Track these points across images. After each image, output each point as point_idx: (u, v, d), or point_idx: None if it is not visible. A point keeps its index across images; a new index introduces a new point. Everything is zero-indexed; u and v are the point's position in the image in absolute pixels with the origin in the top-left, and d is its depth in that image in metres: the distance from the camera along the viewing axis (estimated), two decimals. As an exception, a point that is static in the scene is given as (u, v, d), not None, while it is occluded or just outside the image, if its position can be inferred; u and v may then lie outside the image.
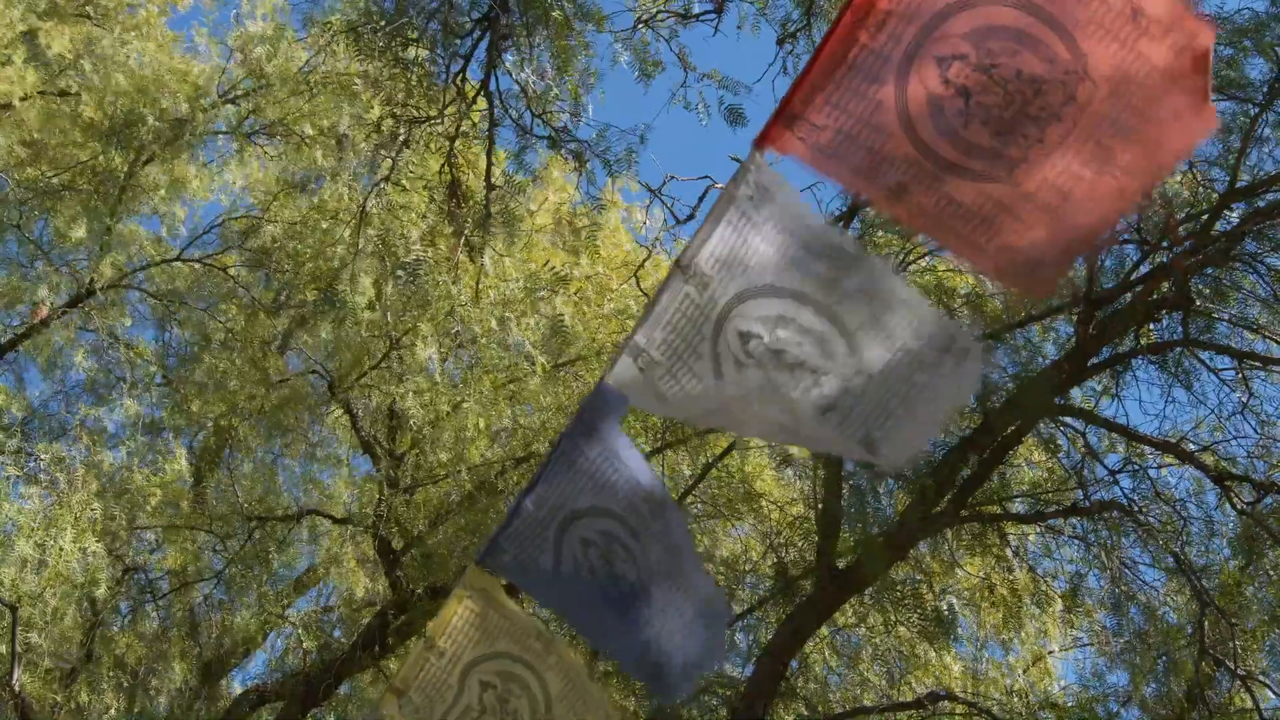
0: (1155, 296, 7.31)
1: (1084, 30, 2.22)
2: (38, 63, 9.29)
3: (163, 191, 9.88)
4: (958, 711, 8.45)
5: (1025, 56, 2.24)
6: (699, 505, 9.14)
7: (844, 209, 7.63)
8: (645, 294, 7.98)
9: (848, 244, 2.44)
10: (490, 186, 6.51)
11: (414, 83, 6.41)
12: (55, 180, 9.43)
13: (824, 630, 8.29)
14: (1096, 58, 2.22)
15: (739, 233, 2.40)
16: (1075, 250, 2.36)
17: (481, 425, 8.10)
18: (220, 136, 9.88)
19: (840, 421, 2.44)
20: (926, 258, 8.21)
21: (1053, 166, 2.27)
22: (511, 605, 3.14)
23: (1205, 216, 7.18)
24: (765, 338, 2.43)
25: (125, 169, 9.45)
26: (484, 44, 6.01)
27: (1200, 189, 7.35)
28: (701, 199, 7.35)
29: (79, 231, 9.55)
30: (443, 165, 6.68)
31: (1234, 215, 7.22)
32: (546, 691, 3.15)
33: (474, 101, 6.43)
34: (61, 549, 8.19)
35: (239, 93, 9.62)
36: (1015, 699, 8.83)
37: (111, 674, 9.53)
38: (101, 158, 9.32)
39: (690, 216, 7.18)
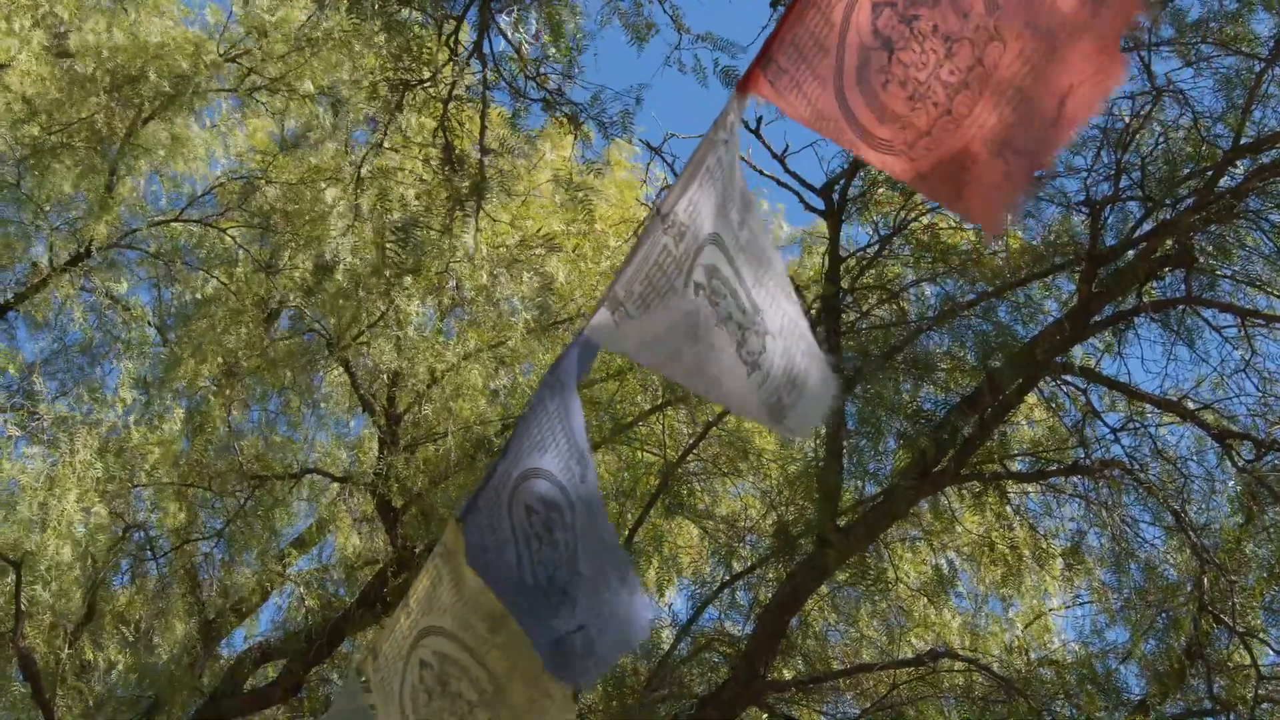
0: (1158, 254, 7.25)
1: None
2: (41, 27, 9.19)
3: (163, 151, 9.81)
4: (957, 668, 8.48)
5: (943, 8, 2.11)
6: (698, 464, 9.14)
7: (846, 164, 7.59)
8: (633, 246, 7.90)
9: (745, 188, 2.37)
10: (484, 151, 6.44)
11: (408, 45, 6.32)
12: (53, 138, 9.36)
13: (824, 588, 8.31)
14: (1009, 12, 2.10)
15: (712, 179, 2.35)
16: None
17: (478, 383, 8.09)
18: (221, 94, 9.80)
19: (760, 384, 2.37)
20: (928, 215, 8.16)
21: (952, 144, 2.16)
22: (469, 578, 2.94)
23: (1209, 173, 7.11)
24: (705, 287, 2.37)
25: (125, 128, 9.38)
26: (475, 6, 5.92)
27: (1204, 145, 7.26)
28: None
29: (77, 191, 9.49)
30: (437, 128, 6.62)
31: (1238, 171, 7.15)
32: (491, 673, 2.97)
33: (467, 64, 6.35)
34: (64, 509, 8.23)
35: (239, 51, 9.54)
36: (1015, 656, 8.85)
37: (114, 630, 9.61)
38: (101, 115, 9.24)
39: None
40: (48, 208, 9.59)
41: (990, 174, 2.13)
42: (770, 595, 8.18)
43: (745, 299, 2.36)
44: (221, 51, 9.39)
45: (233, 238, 9.87)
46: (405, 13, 6.30)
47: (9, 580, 8.47)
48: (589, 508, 2.68)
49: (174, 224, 10.07)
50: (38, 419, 9.17)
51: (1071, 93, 2.08)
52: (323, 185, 8.99)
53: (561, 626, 2.75)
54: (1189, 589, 7.67)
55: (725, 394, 2.50)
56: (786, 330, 2.37)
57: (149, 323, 10.28)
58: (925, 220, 8.16)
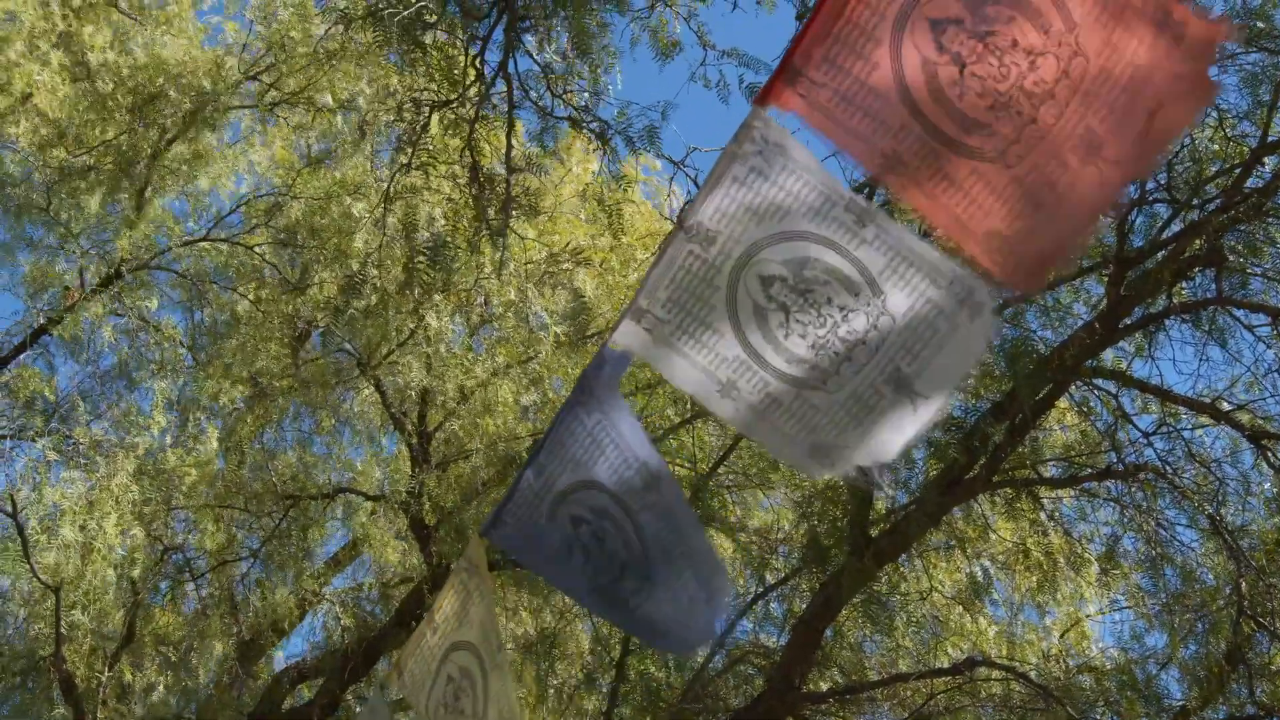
0: (1187, 254, 7.20)
1: None
2: (73, 63, 9.31)
3: (186, 169, 9.89)
4: (995, 677, 8.42)
5: (1021, 24, 2.16)
6: (730, 476, 9.13)
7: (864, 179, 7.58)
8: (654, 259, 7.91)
9: (856, 197, 2.42)
10: (510, 169, 6.49)
11: (433, 66, 6.38)
12: (79, 161, 9.47)
13: (857, 598, 8.28)
14: (1087, 29, 2.14)
15: (749, 187, 2.41)
16: (1060, 247, 2.30)
17: (509, 399, 8.12)
18: (243, 111, 9.89)
19: (868, 357, 2.43)
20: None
21: (1043, 151, 2.20)
22: (489, 590, 3.06)
23: (1236, 171, 7.06)
24: (790, 279, 2.44)
25: (150, 149, 9.49)
26: (501, 26, 5.97)
27: (1230, 143, 7.22)
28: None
29: (105, 213, 9.60)
30: (463, 148, 6.67)
31: (1266, 169, 7.10)
32: (487, 693, 3.04)
33: (493, 83, 6.40)
34: (105, 532, 8.31)
35: (260, 68, 9.64)
36: (1052, 663, 8.79)
37: (153, 652, 9.68)
38: (126, 136, 9.35)
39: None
40: (77, 230, 9.70)
41: (1084, 181, 2.17)
42: (804, 606, 8.16)
43: (865, 288, 2.42)
44: (242, 68, 9.49)
45: (261, 255, 9.95)
46: (430, 35, 6.36)
47: (49, 605, 8.55)
48: (659, 512, 2.74)
49: (202, 243, 10.16)
50: (74, 443, 9.27)
51: (1160, 109, 2.12)
52: (348, 200, 9.06)
53: (641, 619, 2.85)
54: (1227, 592, 7.60)
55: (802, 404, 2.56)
56: (915, 310, 2.42)
57: (180, 343, 10.37)
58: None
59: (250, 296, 9.84)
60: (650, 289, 2.49)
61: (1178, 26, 2.09)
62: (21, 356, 10.07)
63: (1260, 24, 6.81)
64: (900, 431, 2.53)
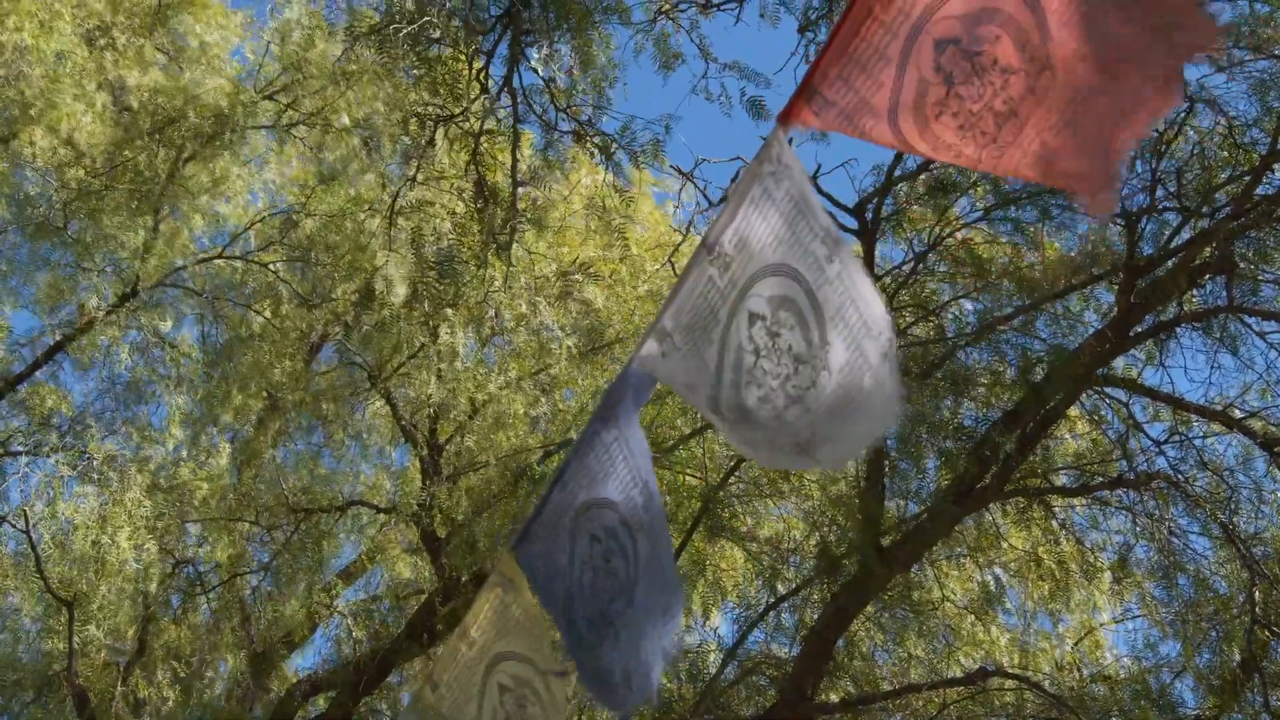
0: (1197, 262, 7.19)
1: (1055, 12, 2.15)
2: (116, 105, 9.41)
3: (205, 188, 9.96)
4: (1008, 686, 8.39)
5: (1005, 42, 2.16)
6: (740, 486, 9.13)
7: (879, 184, 7.59)
8: (679, 277, 7.94)
9: (832, 227, 2.39)
10: (517, 183, 6.52)
11: (438, 80, 6.42)
12: (97, 181, 9.55)
13: (869, 607, 8.27)
14: (1061, 42, 2.13)
15: (759, 210, 2.38)
16: None
17: (519, 411, 8.14)
18: (259, 131, 9.96)
19: (800, 416, 2.38)
20: (963, 230, 8.15)
21: (1002, 169, 2.20)
22: (529, 602, 3.06)
23: (1246, 179, 7.04)
24: (768, 318, 2.40)
25: (167, 169, 9.56)
26: (505, 40, 6.01)
27: (1239, 151, 7.20)
28: (734, 180, 7.33)
29: (121, 232, 9.66)
30: (469, 162, 6.71)
31: (1277, 176, 7.08)
32: (554, 699, 3.06)
33: (498, 98, 6.44)
34: (119, 546, 8.35)
35: (276, 88, 9.71)
36: (1066, 672, 8.76)
37: (166, 666, 9.71)
38: (144, 156, 9.42)
39: (723, 198, 7.17)
40: (94, 249, 9.77)
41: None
42: (816, 617, 8.15)
43: (816, 334, 2.38)
44: (259, 89, 9.56)
45: (274, 271, 10.01)
46: (434, 49, 6.40)
47: (63, 619, 8.59)
48: (650, 535, 2.74)
49: (217, 260, 10.23)
50: (88, 458, 9.32)
51: (1122, 119, 2.12)
52: (362, 216, 9.11)
53: (604, 658, 2.81)
54: (1241, 601, 7.56)
55: (745, 435, 2.53)
56: (851, 366, 2.38)
57: (195, 359, 10.43)
58: (960, 235, 8.14)
59: (265, 313, 9.89)
60: (675, 309, 2.48)
61: (1167, 22, 2.07)
62: (37, 373, 10.15)
63: (1269, 31, 6.81)
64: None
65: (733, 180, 7.36)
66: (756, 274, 2.40)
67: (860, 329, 2.33)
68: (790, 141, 2.37)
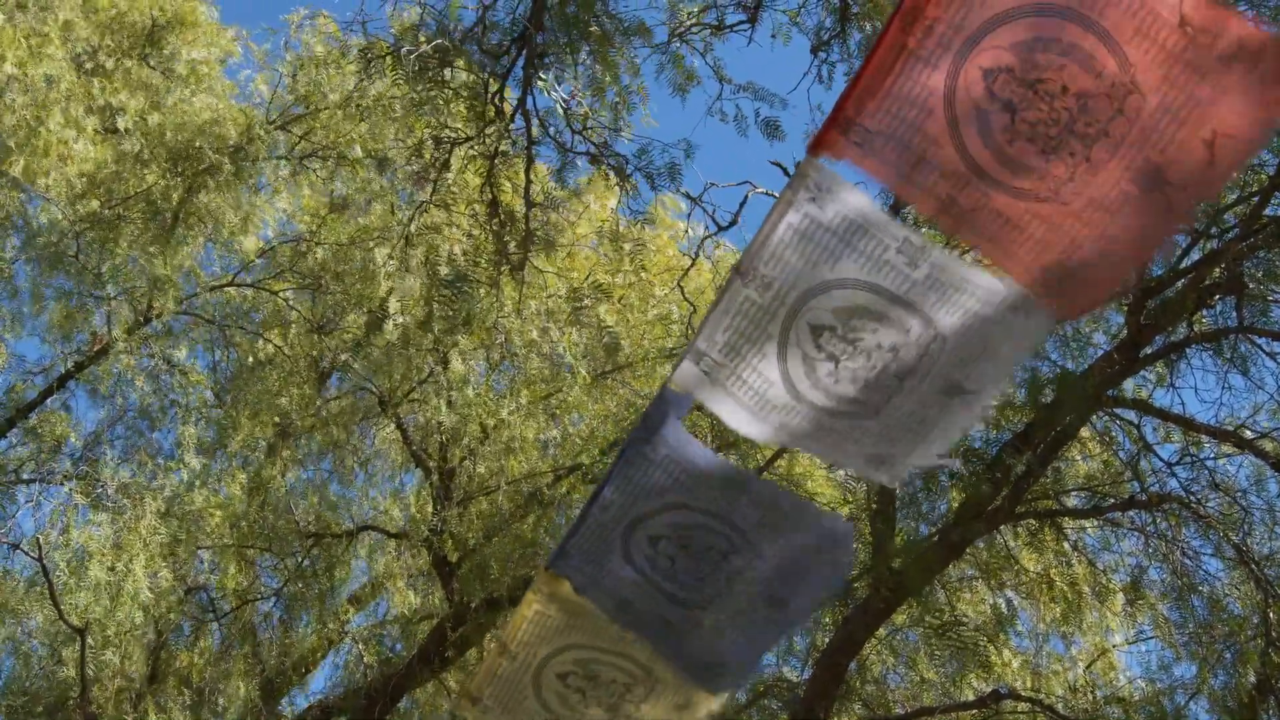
0: (1207, 282, 7.19)
1: (1132, 41, 2.21)
2: (105, 127, 9.47)
3: (215, 221, 10.00)
4: (1021, 709, 8.35)
5: (1072, 70, 2.24)
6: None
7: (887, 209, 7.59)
8: (690, 300, 7.98)
9: (913, 234, 2.49)
10: (530, 204, 6.56)
11: (453, 103, 6.47)
12: (109, 212, 9.60)
13: (881, 630, 8.24)
14: (1144, 69, 2.21)
15: (803, 234, 2.48)
16: (1123, 269, 2.36)
17: (530, 436, 8.15)
18: (273, 162, 10.01)
19: (920, 380, 2.53)
20: (973, 250, 8.14)
21: (1100, 185, 2.27)
22: (581, 603, 3.18)
23: (1255, 199, 7.06)
24: (839, 328, 2.54)
25: (179, 199, 9.62)
26: (520, 63, 6.05)
27: (1248, 171, 7.22)
28: (743, 204, 7.35)
29: (134, 262, 9.71)
30: (483, 185, 6.75)
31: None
32: (637, 662, 3.21)
33: (512, 120, 6.48)
34: (133, 573, 8.36)
35: (290, 118, 9.78)
36: (1079, 695, 8.71)
37: (178, 693, 9.69)
38: (157, 187, 9.48)
39: (732, 223, 7.20)
40: (106, 279, 9.82)
41: (1149, 208, 2.24)
42: (827, 640, 8.12)
43: (912, 321, 2.51)
44: (272, 119, 9.63)
45: (285, 299, 10.05)
46: (448, 73, 6.44)
47: (76, 647, 8.59)
48: (754, 497, 2.85)
49: (228, 289, 10.28)
50: (101, 486, 9.35)
51: (1219, 138, 2.18)
52: (371, 244, 9.16)
53: (694, 645, 3.02)
54: (1255, 622, 7.54)
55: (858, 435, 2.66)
56: (966, 331, 2.51)
57: (207, 387, 10.47)
58: (970, 257, 8.14)
59: (275, 340, 9.93)
60: (709, 332, 2.58)
61: (1253, 54, 2.14)
62: (48, 401, 10.19)
63: None
64: (954, 430, 2.65)
65: (741, 204, 7.39)
66: (814, 289, 2.52)
67: (972, 302, 2.47)
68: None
